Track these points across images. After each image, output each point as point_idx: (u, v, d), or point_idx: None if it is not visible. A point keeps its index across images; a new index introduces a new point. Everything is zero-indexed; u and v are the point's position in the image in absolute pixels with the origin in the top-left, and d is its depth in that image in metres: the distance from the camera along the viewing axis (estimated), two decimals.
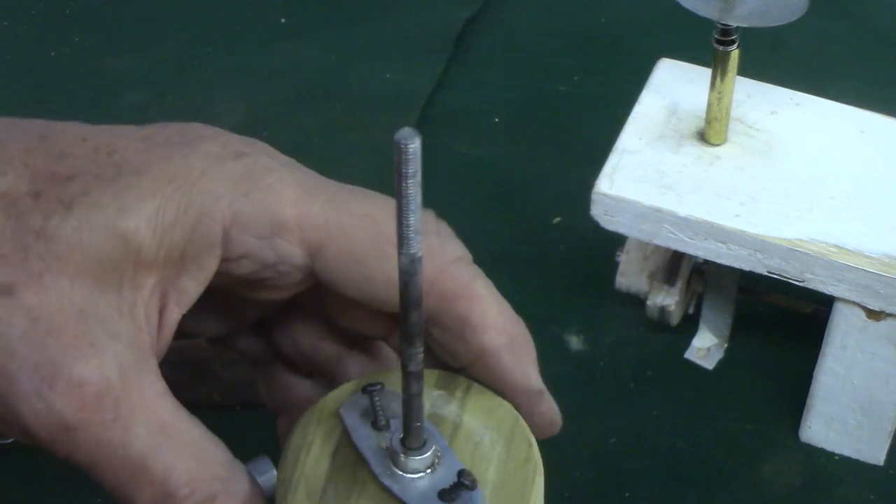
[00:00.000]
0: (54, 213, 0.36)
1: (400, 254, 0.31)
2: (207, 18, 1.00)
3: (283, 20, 0.99)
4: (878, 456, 0.69)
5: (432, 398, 0.38)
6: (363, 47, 0.96)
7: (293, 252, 0.38)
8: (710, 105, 0.65)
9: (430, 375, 0.39)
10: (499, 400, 0.39)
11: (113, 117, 0.92)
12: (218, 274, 0.39)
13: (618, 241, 0.71)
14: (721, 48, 0.62)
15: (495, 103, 0.92)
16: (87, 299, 0.35)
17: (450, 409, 0.38)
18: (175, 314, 0.38)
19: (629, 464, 0.70)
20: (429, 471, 0.36)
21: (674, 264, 0.71)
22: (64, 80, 0.95)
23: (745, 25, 0.61)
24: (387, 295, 0.38)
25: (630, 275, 0.72)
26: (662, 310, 0.72)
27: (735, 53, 0.63)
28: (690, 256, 0.71)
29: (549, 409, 0.41)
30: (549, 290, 0.78)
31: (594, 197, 0.64)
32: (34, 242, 0.35)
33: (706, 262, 0.68)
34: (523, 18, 0.99)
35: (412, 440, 0.36)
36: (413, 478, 0.36)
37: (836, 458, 0.70)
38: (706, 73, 0.65)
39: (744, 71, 0.65)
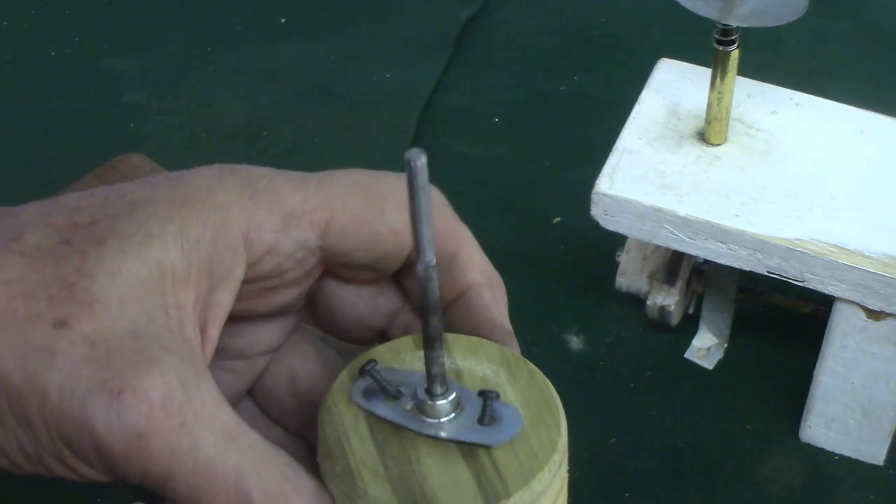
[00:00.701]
0: (89, 251, 0.38)
1: (417, 263, 0.35)
2: (207, 18, 1.00)
3: (283, 20, 0.99)
4: (878, 456, 0.69)
5: (421, 358, 0.40)
6: (363, 47, 0.96)
7: (307, 235, 0.41)
8: (710, 105, 0.65)
9: (406, 342, 0.41)
10: (476, 339, 0.41)
11: (113, 117, 0.92)
12: (244, 283, 0.41)
13: (618, 241, 0.71)
14: (721, 48, 0.62)
15: (495, 103, 0.92)
16: (137, 321, 0.37)
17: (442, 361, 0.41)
18: (215, 330, 0.40)
19: (629, 464, 0.70)
20: (458, 410, 0.39)
21: (674, 264, 0.71)
22: (64, 80, 0.95)
23: (745, 25, 0.61)
24: (395, 244, 0.42)
25: (630, 275, 0.72)
26: (662, 310, 0.72)
27: (735, 53, 0.63)
28: (690, 256, 0.71)
29: (518, 351, 0.43)
30: (549, 290, 0.78)
31: (594, 197, 0.64)
32: (77, 279, 0.37)
33: (706, 262, 0.68)
34: (523, 18, 0.99)
35: (437, 387, 0.38)
36: (449, 419, 0.39)
37: (836, 458, 0.70)
38: (706, 73, 0.65)
39: (744, 71, 0.65)
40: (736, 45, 0.62)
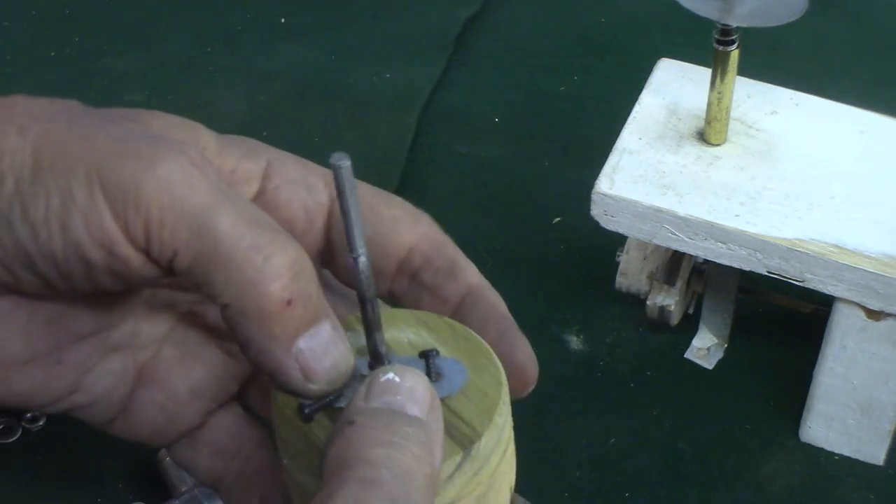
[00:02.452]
0: (128, 117, 0.42)
1: (352, 258, 0.38)
2: (207, 18, 1.00)
3: (282, 20, 0.99)
4: (877, 456, 0.69)
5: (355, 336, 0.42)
6: (363, 47, 0.96)
7: (321, 189, 0.44)
8: (710, 105, 0.65)
9: (350, 320, 0.43)
10: (388, 310, 0.43)
11: None
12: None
13: (618, 241, 0.71)
14: (721, 48, 0.62)
15: (495, 103, 0.92)
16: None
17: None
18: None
19: (629, 464, 0.70)
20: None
21: (674, 264, 0.71)
22: (64, 80, 0.95)
23: (745, 25, 0.61)
24: (391, 230, 0.45)
25: (630, 275, 0.72)
26: (662, 310, 0.72)
27: (735, 53, 0.63)
28: (690, 256, 0.71)
29: (528, 344, 0.44)
30: (549, 290, 0.78)
31: (594, 197, 0.64)
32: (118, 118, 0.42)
33: (706, 262, 0.68)
34: (523, 18, 0.99)
35: (383, 363, 0.40)
36: None
37: (836, 458, 0.70)
38: (706, 73, 0.65)
39: (744, 71, 0.65)
40: (736, 45, 0.62)
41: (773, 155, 0.66)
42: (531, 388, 0.43)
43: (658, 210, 0.63)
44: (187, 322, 0.46)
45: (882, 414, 0.67)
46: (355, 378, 0.40)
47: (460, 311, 0.45)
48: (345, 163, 0.36)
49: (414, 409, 0.38)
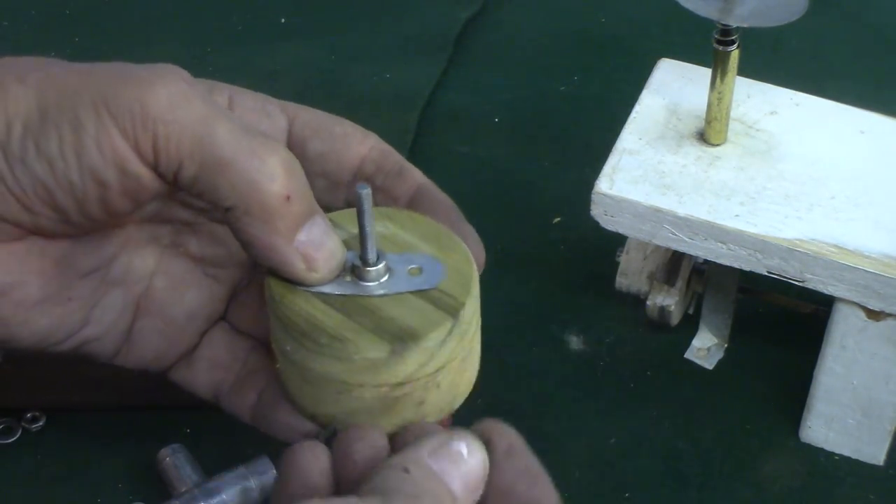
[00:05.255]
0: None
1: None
2: (207, 18, 1.00)
3: (283, 20, 0.99)
4: (878, 456, 0.69)
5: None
6: (363, 47, 0.96)
7: (279, 115, 0.50)
8: (710, 105, 0.65)
9: (344, 215, 0.48)
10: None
11: None
12: None
13: (618, 241, 0.71)
14: (721, 48, 0.63)
15: (495, 103, 0.92)
16: None
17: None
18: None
19: (629, 464, 0.70)
20: (389, 272, 0.46)
21: (674, 264, 0.71)
22: None
23: (745, 25, 0.61)
24: (344, 144, 0.51)
25: (630, 275, 0.72)
26: (662, 310, 0.72)
27: (735, 53, 0.63)
28: (690, 256, 0.72)
29: (474, 231, 0.50)
30: (549, 290, 0.78)
31: (594, 197, 0.64)
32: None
33: (706, 262, 0.68)
34: (523, 18, 0.99)
35: (371, 256, 0.46)
36: (385, 279, 0.46)
37: (836, 458, 0.70)
38: (706, 73, 0.65)
39: (744, 71, 0.65)
40: (736, 45, 0.62)
41: (773, 155, 0.66)
42: (481, 270, 0.48)
43: (658, 210, 0.63)
44: (171, 254, 0.50)
45: (882, 414, 0.67)
46: (346, 269, 0.46)
47: (412, 206, 0.49)
48: (366, 191, 0.44)
49: (458, 489, 0.41)
